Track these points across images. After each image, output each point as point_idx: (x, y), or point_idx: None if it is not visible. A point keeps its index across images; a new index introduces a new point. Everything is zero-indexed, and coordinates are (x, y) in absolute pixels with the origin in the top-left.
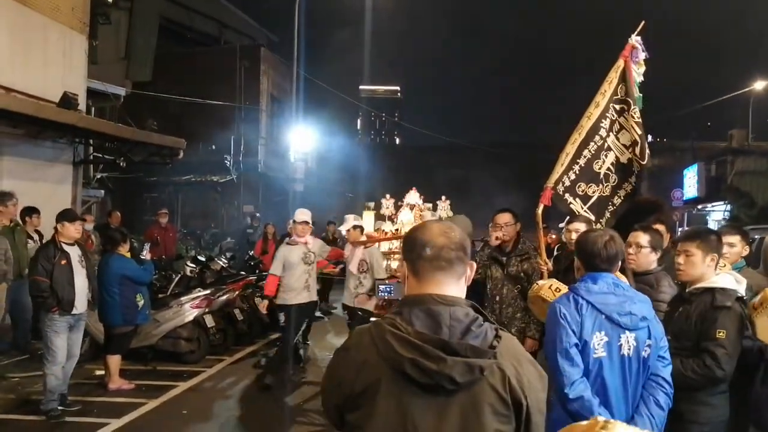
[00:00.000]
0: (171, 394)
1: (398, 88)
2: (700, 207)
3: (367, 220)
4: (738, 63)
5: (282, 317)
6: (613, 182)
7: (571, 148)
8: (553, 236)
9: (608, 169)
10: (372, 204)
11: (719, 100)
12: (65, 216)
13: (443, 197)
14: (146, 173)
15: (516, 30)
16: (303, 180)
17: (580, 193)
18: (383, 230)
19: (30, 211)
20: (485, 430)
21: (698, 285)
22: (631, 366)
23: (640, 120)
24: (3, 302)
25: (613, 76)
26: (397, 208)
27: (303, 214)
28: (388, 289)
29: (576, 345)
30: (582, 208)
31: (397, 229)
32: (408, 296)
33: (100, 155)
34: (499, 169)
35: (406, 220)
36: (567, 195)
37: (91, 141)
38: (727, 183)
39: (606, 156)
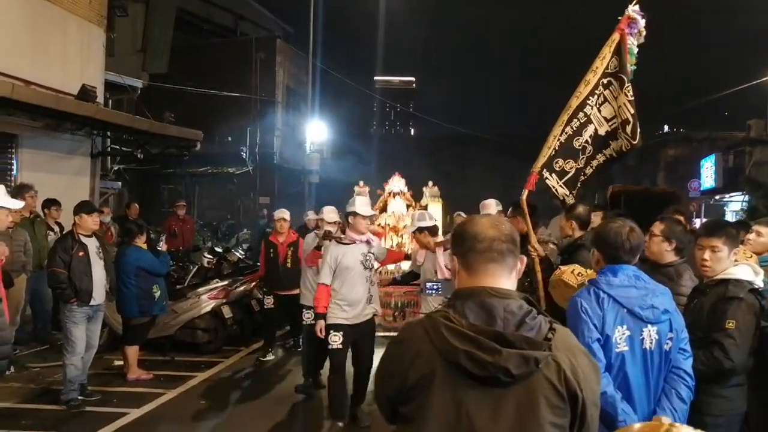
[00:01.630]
0: (189, 384)
1: (413, 78)
2: (717, 198)
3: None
4: (757, 52)
5: (338, 338)
6: (589, 153)
7: (557, 130)
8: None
9: (585, 142)
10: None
11: (737, 89)
12: (83, 208)
13: (430, 183)
14: (163, 165)
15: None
16: (318, 171)
17: (557, 168)
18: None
19: (50, 203)
20: (540, 422)
21: (715, 277)
22: (653, 360)
23: (632, 99)
24: (23, 293)
25: (606, 52)
26: (377, 197)
27: (368, 205)
28: (435, 287)
29: (598, 340)
30: (558, 183)
31: (385, 224)
32: (460, 289)
33: (118, 147)
34: (513, 159)
35: (398, 211)
36: (544, 170)
37: (108, 133)
38: (745, 174)
39: (585, 130)
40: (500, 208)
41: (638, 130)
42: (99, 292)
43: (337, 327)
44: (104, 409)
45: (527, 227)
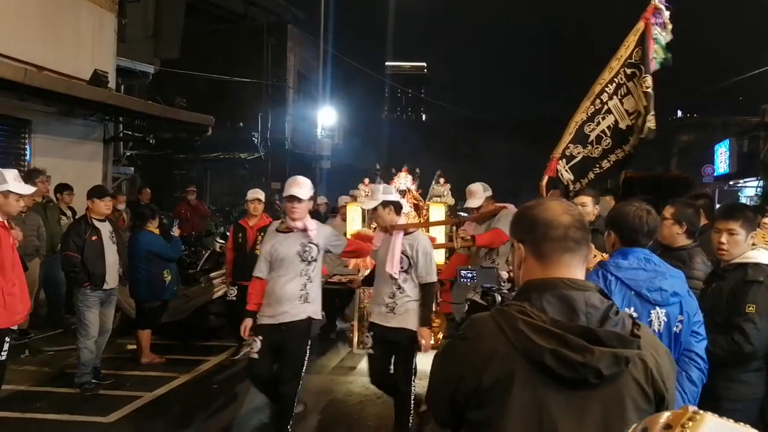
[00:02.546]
0: (201, 368)
1: (424, 64)
2: (731, 183)
3: (353, 216)
4: None
5: (257, 344)
6: (606, 145)
7: (580, 117)
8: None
9: (602, 131)
10: (362, 191)
11: (752, 74)
12: (95, 193)
13: (441, 180)
14: (175, 151)
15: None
16: (329, 157)
17: (567, 153)
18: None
19: (62, 188)
20: (628, 426)
21: (733, 261)
22: (664, 342)
23: (649, 90)
24: (37, 278)
25: (631, 40)
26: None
27: (292, 185)
28: (470, 275)
29: None
30: (564, 167)
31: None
32: (534, 281)
33: (130, 133)
34: (525, 144)
35: (404, 210)
36: (563, 160)
37: (120, 119)
38: (759, 159)
39: (603, 119)
40: (489, 192)
41: (646, 124)
42: (112, 277)
43: (257, 330)
44: (117, 392)
45: None
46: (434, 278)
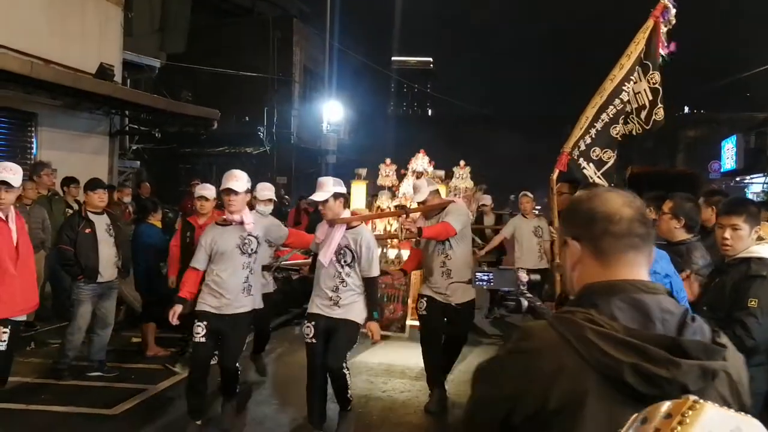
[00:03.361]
0: None
1: (431, 59)
2: (738, 179)
3: (357, 193)
4: None
5: (200, 329)
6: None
7: (591, 112)
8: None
9: (623, 135)
10: (363, 172)
11: (760, 70)
12: (88, 185)
13: (462, 162)
14: (181, 145)
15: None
16: (335, 152)
17: (594, 157)
18: (379, 206)
19: (68, 181)
20: None
21: (737, 255)
22: None
23: (657, 86)
24: (42, 270)
25: (641, 37)
26: (401, 177)
27: (228, 179)
28: (486, 277)
29: None
30: (596, 174)
31: (397, 205)
32: (597, 284)
33: (136, 126)
34: (532, 139)
35: (410, 193)
36: (581, 159)
37: (126, 112)
38: (766, 155)
39: (622, 119)
40: (434, 187)
41: (653, 117)
42: (107, 270)
43: (201, 315)
44: (122, 384)
45: (552, 208)
46: (377, 272)
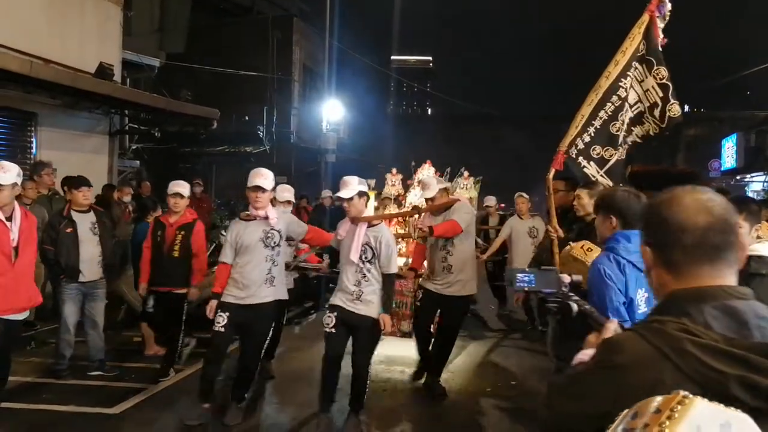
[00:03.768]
0: None
1: (430, 58)
2: (738, 178)
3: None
4: None
5: (221, 319)
6: (621, 141)
7: (587, 110)
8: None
9: (627, 131)
10: (372, 182)
11: (760, 68)
12: (73, 183)
13: (465, 173)
14: (181, 144)
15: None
16: (335, 151)
17: (596, 156)
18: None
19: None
20: None
21: None
22: None
23: (665, 81)
24: (42, 270)
25: (636, 33)
26: (406, 186)
27: (256, 176)
28: (527, 278)
29: (624, 303)
30: (598, 173)
31: (414, 206)
32: (683, 291)
33: (136, 126)
34: (532, 138)
35: (417, 202)
36: (580, 158)
37: (126, 112)
38: (766, 153)
39: (621, 115)
40: (444, 185)
41: (667, 114)
42: (90, 269)
43: (224, 306)
44: (122, 384)
45: (549, 207)
46: (395, 269)
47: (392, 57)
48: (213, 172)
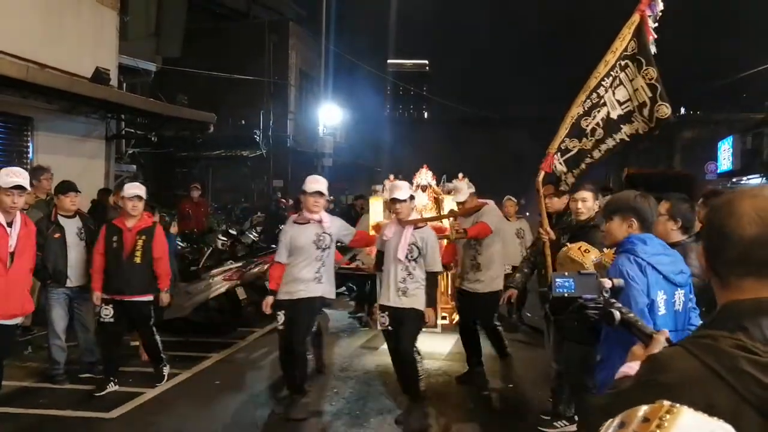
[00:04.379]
0: (203, 365)
1: (426, 62)
2: (734, 180)
3: (375, 208)
4: None
5: (280, 317)
6: (599, 136)
7: (575, 111)
8: None
9: (596, 124)
10: (380, 188)
11: (756, 70)
12: (59, 188)
13: (460, 175)
14: (177, 149)
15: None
16: (331, 155)
17: (562, 147)
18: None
19: None
20: None
21: None
22: (680, 319)
23: (653, 82)
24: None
25: (626, 33)
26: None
27: (315, 183)
28: (567, 283)
29: (646, 305)
30: (559, 161)
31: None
32: (738, 301)
33: (132, 130)
34: (528, 141)
35: (421, 205)
36: (558, 154)
37: (123, 116)
38: (762, 155)
39: (598, 112)
40: (473, 189)
41: (655, 114)
42: (77, 275)
43: (280, 305)
44: (120, 388)
45: (541, 210)
46: (439, 267)
47: (389, 61)
48: (209, 176)
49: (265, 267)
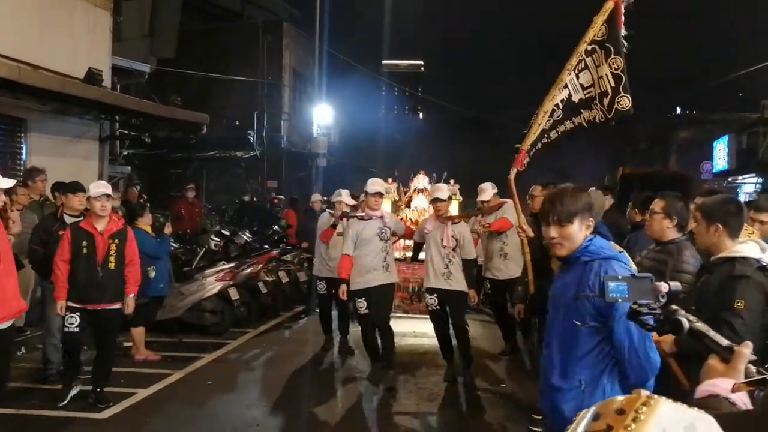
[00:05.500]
0: (196, 365)
1: (421, 62)
2: (730, 179)
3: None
4: None
5: (362, 304)
6: (557, 117)
7: (549, 106)
8: None
9: (556, 105)
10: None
11: (751, 69)
12: (68, 188)
13: (452, 181)
14: (171, 150)
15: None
16: (326, 155)
17: (525, 131)
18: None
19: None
20: None
21: (721, 255)
22: None
23: (619, 72)
24: (32, 275)
25: (599, 21)
26: (401, 193)
27: (376, 185)
28: (620, 287)
29: None
30: (529, 156)
31: (406, 218)
32: None
33: (126, 132)
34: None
35: (421, 207)
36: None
37: (116, 117)
38: (758, 155)
39: (559, 93)
40: (496, 189)
41: (615, 105)
42: None
43: (360, 293)
44: (113, 389)
45: (516, 207)
46: (474, 255)
47: (383, 61)
48: (203, 177)
49: (258, 267)
